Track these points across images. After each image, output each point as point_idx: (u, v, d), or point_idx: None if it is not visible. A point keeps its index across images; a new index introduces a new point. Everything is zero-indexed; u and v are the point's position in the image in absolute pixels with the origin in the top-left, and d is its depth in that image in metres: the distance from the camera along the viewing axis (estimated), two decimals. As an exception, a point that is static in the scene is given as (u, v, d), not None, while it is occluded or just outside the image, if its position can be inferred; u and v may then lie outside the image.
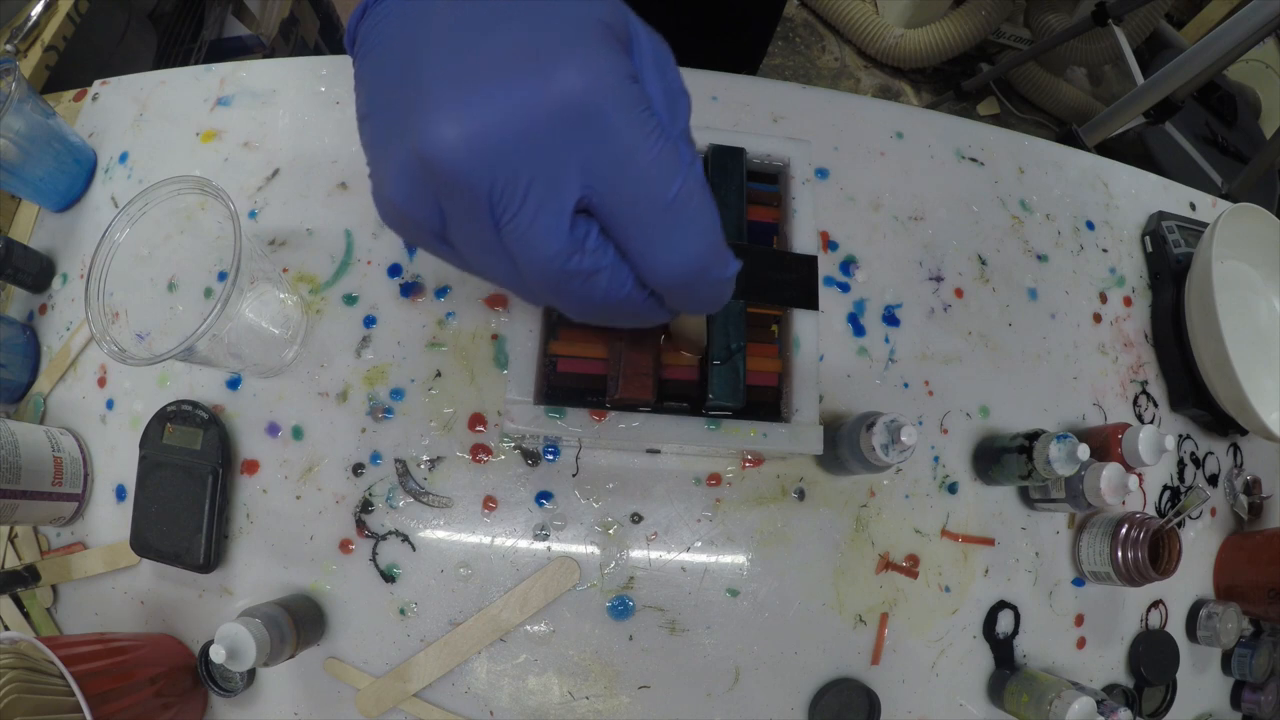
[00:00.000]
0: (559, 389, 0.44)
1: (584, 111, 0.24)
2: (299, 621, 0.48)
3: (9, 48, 0.73)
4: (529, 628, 0.52)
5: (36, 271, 0.59)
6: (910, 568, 0.56)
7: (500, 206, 0.24)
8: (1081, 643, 0.59)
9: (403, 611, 0.52)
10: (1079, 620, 0.59)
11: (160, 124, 0.62)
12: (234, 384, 0.55)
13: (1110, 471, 0.53)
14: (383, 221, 0.28)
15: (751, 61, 0.90)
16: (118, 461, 0.55)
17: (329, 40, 1.29)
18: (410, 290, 0.56)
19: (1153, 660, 0.60)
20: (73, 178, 0.61)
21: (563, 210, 0.24)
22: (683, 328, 0.42)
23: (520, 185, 0.24)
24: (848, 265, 0.61)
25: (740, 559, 0.54)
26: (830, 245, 0.61)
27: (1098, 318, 0.66)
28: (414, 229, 0.27)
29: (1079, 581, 0.60)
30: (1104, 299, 0.67)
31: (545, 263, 0.25)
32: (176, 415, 0.52)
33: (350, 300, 0.56)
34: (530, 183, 0.24)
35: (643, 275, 0.27)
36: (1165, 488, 0.64)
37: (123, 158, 0.62)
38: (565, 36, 0.24)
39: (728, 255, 0.28)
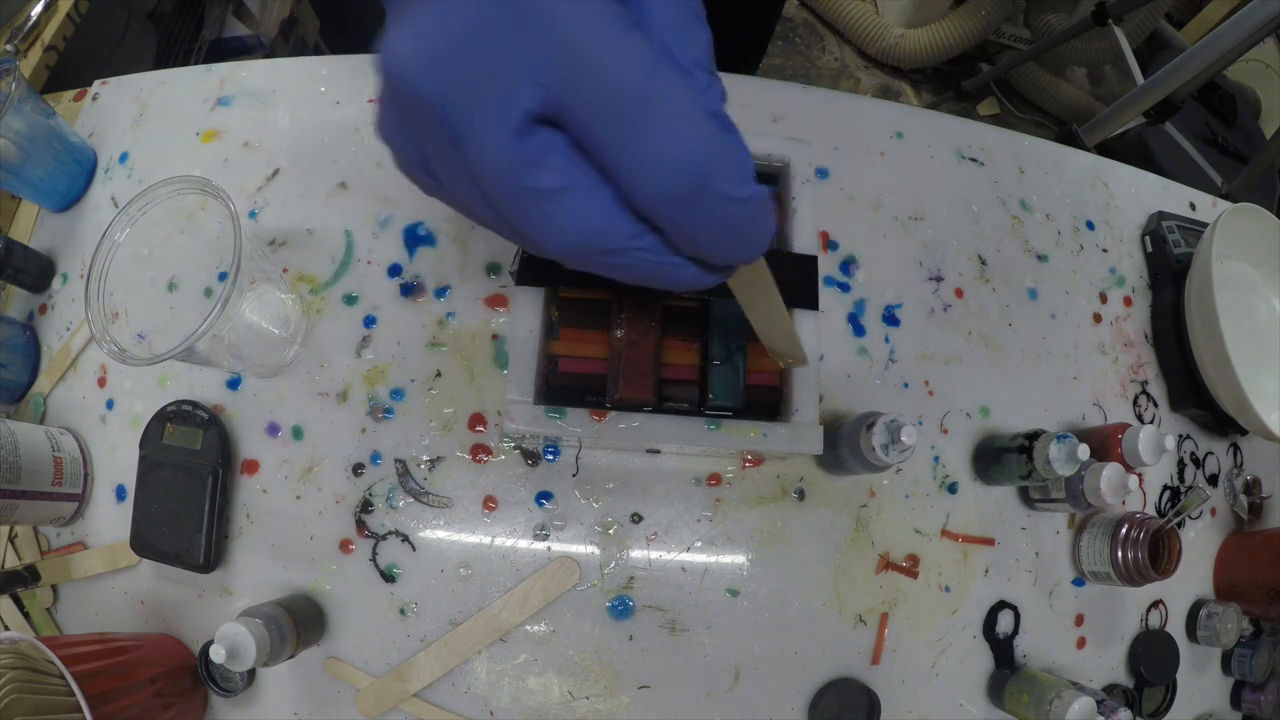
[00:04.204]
0: (559, 389, 0.44)
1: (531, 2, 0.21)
2: (299, 621, 0.48)
3: (9, 48, 0.73)
4: (529, 628, 0.52)
5: (36, 271, 0.59)
6: (910, 568, 0.56)
7: (453, 122, 0.22)
8: (1081, 643, 0.59)
9: (403, 611, 0.52)
10: (1079, 620, 0.59)
11: (160, 124, 0.62)
12: (234, 384, 0.55)
13: (1110, 471, 0.53)
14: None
15: (751, 62, 0.90)
16: (118, 461, 0.55)
17: (329, 40, 1.29)
18: (410, 290, 0.56)
19: (1153, 660, 0.60)
20: (73, 178, 0.61)
21: (509, 117, 0.21)
22: (767, 336, 0.37)
23: (469, 94, 0.21)
24: (848, 265, 0.61)
25: (740, 559, 0.54)
26: (830, 245, 0.61)
27: (1098, 318, 0.66)
28: (403, 164, 0.25)
29: (1079, 581, 0.59)
30: (1104, 299, 0.67)
31: (498, 178, 0.22)
32: (176, 415, 0.52)
33: (350, 300, 0.56)
34: (479, 91, 0.21)
35: (625, 191, 0.23)
36: (1165, 488, 0.64)
37: (123, 158, 0.62)
38: None
39: (741, 171, 0.23)
